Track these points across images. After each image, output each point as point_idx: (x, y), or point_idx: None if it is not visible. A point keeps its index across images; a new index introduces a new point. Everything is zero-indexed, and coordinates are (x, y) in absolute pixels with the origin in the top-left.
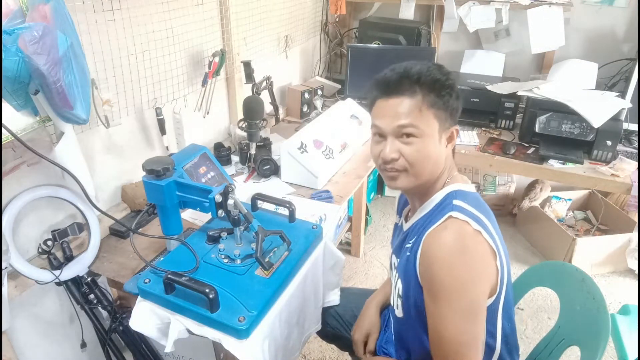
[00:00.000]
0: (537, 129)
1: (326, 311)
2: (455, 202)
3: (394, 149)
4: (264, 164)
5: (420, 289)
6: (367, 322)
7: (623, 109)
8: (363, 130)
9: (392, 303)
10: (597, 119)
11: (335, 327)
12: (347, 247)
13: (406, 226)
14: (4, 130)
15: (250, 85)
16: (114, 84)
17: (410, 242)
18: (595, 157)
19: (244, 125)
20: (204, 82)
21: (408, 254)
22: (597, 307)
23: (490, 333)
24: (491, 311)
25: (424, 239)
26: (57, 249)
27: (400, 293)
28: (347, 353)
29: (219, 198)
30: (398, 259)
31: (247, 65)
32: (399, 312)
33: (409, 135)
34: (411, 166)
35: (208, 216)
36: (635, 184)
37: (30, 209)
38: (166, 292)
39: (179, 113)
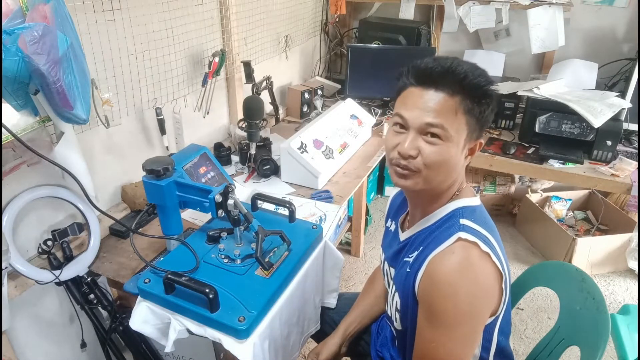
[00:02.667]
0: (537, 129)
1: (321, 317)
2: (463, 221)
3: (414, 146)
4: (264, 164)
5: (417, 305)
6: (320, 346)
7: (623, 109)
8: (363, 130)
9: (389, 313)
10: (597, 119)
11: (330, 334)
12: (347, 247)
13: (404, 236)
14: (4, 130)
15: (250, 85)
16: (114, 84)
17: (410, 256)
18: (595, 157)
19: (244, 125)
20: (204, 82)
21: (408, 270)
22: (597, 307)
23: (485, 348)
24: (488, 329)
25: (429, 261)
26: (57, 249)
27: (398, 307)
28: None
29: (219, 198)
30: (394, 270)
31: (247, 65)
32: (397, 325)
33: (434, 135)
34: (426, 168)
35: (208, 216)
36: (635, 184)
37: (30, 209)
38: (166, 292)
39: (178, 113)
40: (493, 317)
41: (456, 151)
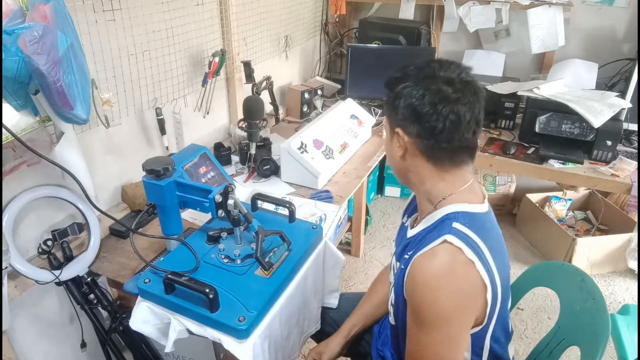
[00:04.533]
0: (537, 129)
1: (322, 317)
2: (455, 224)
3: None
4: (264, 164)
5: (406, 304)
6: (323, 346)
7: (623, 109)
8: (363, 130)
9: (388, 308)
10: (597, 119)
11: (330, 334)
12: (347, 247)
13: (410, 233)
14: (4, 130)
15: (250, 85)
16: (114, 84)
17: (408, 254)
18: (595, 157)
19: (244, 125)
20: (204, 82)
21: (402, 267)
22: (597, 307)
23: (476, 353)
24: (477, 337)
25: (412, 262)
26: (57, 249)
27: (392, 302)
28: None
29: (219, 198)
30: (399, 265)
31: (247, 65)
32: (392, 320)
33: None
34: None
35: (208, 216)
36: (635, 184)
37: (30, 209)
38: (166, 292)
39: (179, 113)
40: (480, 327)
41: (388, 144)
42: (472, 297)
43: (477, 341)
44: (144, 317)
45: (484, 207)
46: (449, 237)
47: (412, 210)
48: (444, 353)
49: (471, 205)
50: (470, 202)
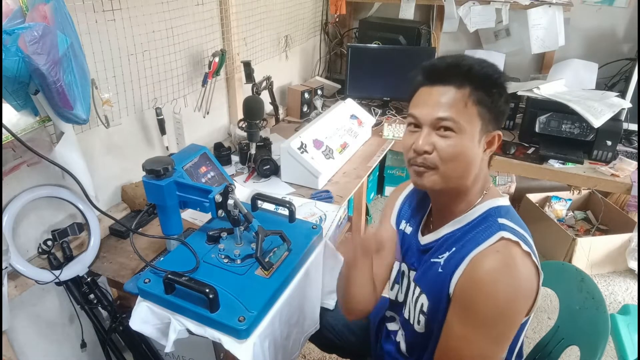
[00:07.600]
0: (537, 129)
1: (319, 319)
2: (501, 220)
3: (429, 141)
4: (264, 164)
5: (449, 305)
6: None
7: (623, 109)
8: (363, 130)
9: (406, 316)
10: (597, 119)
11: (329, 338)
12: None
13: (429, 238)
14: (4, 130)
15: (250, 85)
16: (114, 84)
17: (441, 257)
18: (595, 157)
19: (244, 125)
20: (204, 82)
21: (440, 270)
22: (596, 307)
23: (510, 349)
24: (519, 331)
25: (470, 260)
26: (57, 249)
27: (425, 309)
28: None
29: (219, 198)
30: (415, 272)
31: (247, 65)
32: (419, 328)
33: (447, 128)
34: (442, 163)
35: (208, 216)
36: (635, 184)
37: (30, 209)
38: (166, 292)
39: (179, 113)
40: (526, 317)
41: (471, 143)
42: (530, 289)
43: (516, 335)
44: (144, 317)
45: (507, 200)
46: (505, 234)
47: (410, 215)
48: (488, 350)
49: (502, 199)
50: (500, 196)
